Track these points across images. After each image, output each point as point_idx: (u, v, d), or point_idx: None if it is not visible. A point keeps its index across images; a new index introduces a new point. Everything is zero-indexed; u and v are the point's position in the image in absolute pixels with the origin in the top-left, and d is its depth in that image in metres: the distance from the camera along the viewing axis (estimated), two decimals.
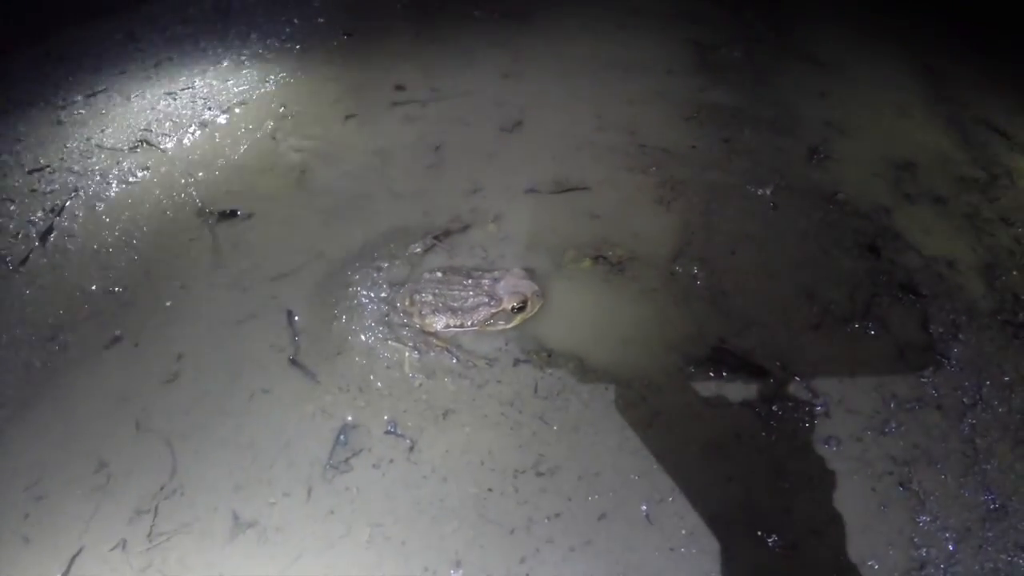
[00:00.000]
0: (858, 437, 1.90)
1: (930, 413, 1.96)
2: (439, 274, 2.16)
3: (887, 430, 1.91)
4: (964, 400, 1.99)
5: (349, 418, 1.93)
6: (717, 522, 1.73)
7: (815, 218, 2.48)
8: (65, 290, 2.33)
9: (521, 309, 2.06)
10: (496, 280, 2.11)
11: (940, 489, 1.81)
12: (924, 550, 1.71)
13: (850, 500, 1.78)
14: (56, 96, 3.14)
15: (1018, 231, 2.50)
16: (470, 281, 2.12)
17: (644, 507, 1.75)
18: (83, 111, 3.08)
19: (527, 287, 2.07)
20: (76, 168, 2.79)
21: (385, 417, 1.93)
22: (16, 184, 2.74)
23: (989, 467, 1.86)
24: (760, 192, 2.57)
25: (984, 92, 3.14)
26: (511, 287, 2.07)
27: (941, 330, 2.15)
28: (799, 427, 1.91)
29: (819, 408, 1.95)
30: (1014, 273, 2.34)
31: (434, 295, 2.09)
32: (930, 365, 2.07)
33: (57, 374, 2.10)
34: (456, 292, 2.09)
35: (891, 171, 2.71)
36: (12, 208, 2.63)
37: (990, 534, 1.74)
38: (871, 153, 2.78)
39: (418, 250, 2.34)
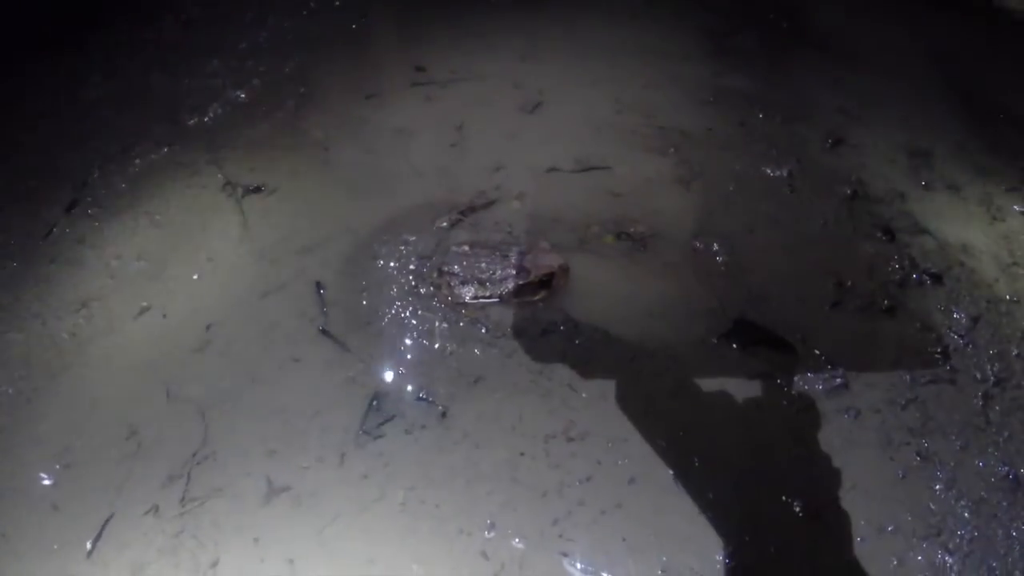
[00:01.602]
0: (876, 409, 1.95)
1: (945, 388, 2.01)
2: (466, 247, 2.19)
3: (903, 403, 1.97)
4: (977, 376, 2.04)
5: (381, 385, 1.96)
6: (742, 488, 1.77)
7: (831, 201, 2.53)
8: (90, 263, 2.34)
9: (547, 282, 2.09)
10: (523, 253, 2.14)
11: (956, 460, 1.86)
12: (941, 517, 1.76)
13: (870, 469, 1.83)
14: (76, 74, 3.14)
15: None
16: (497, 254, 2.15)
17: (672, 472, 1.79)
18: (103, 89, 3.08)
19: (553, 260, 2.11)
20: (98, 143, 2.79)
21: (416, 384, 1.96)
22: (37, 159, 2.74)
23: (1002, 439, 1.91)
24: (777, 174, 2.61)
25: (1000, 79, 3.19)
26: (537, 260, 2.10)
27: (955, 308, 2.20)
28: (819, 398, 1.96)
29: (839, 381, 1.99)
30: None
31: (462, 267, 2.12)
32: (944, 341, 2.11)
33: (85, 344, 2.12)
34: (483, 264, 2.12)
35: (906, 157, 2.75)
36: (34, 183, 2.63)
37: (1004, 503, 1.79)
38: (886, 139, 2.82)
39: (444, 225, 2.36)
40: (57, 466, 1.86)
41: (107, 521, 1.76)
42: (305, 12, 3.45)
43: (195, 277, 2.26)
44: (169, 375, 2.02)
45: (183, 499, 1.78)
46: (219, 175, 2.61)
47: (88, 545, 1.73)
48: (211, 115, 2.88)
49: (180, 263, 2.31)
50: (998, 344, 2.13)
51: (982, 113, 3.01)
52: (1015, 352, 2.12)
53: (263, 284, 2.22)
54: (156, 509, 1.77)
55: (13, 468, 1.87)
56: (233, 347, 2.07)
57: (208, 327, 2.12)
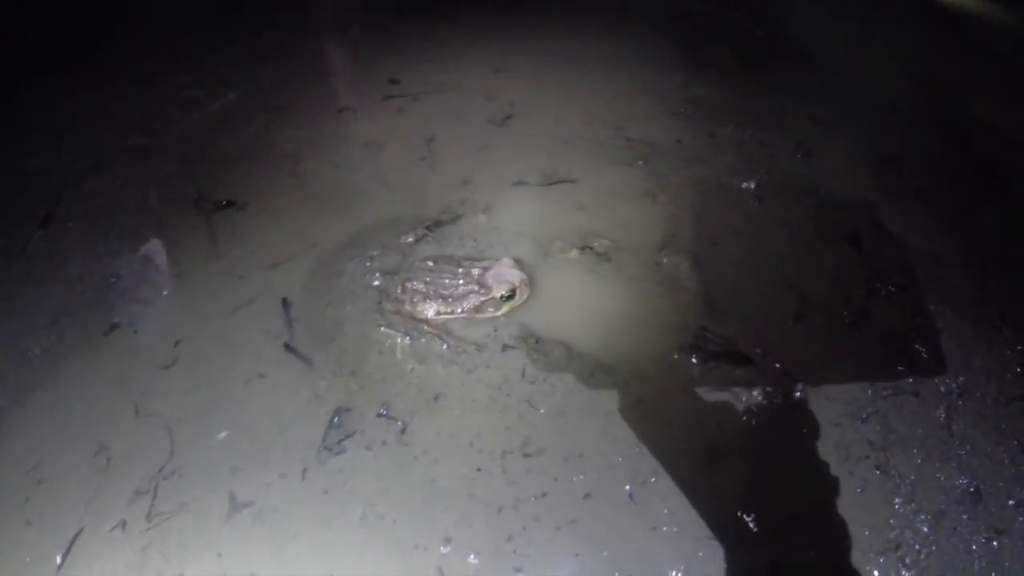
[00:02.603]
0: (836, 423, 1.95)
1: (907, 400, 2.02)
2: (430, 263, 2.21)
3: (864, 416, 1.97)
4: (941, 388, 2.05)
5: (343, 402, 1.98)
6: (698, 503, 1.78)
7: (798, 212, 2.54)
8: (63, 278, 2.36)
9: (510, 297, 2.11)
10: (485, 269, 2.15)
11: (916, 473, 1.87)
12: (900, 531, 1.76)
13: (828, 483, 1.83)
14: (50, 84, 3.17)
15: (999, 225, 2.55)
16: (460, 270, 2.17)
17: (628, 488, 1.80)
18: (78, 99, 3.10)
19: (515, 276, 2.12)
20: (72, 155, 2.82)
21: (377, 401, 1.97)
22: (12, 171, 2.78)
23: (964, 452, 1.91)
24: (745, 186, 2.62)
25: (970, 87, 3.19)
26: (500, 276, 2.12)
27: (920, 321, 2.21)
28: (778, 413, 1.96)
29: (798, 395, 2.00)
30: (994, 266, 2.39)
31: (425, 283, 2.14)
32: (908, 354, 2.12)
33: (56, 360, 2.14)
34: (446, 280, 2.14)
35: (875, 166, 2.76)
36: (9, 197, 2.66)
37: (964, 517, 1.79)
38: (855, 148, 2.83)
39: (410, 240, 2.38)
40: (31, 482, 1.88)
41: (76, 536, 1.78)
42: (279, 23, 3.47)
43: (164, 293, 2.28)
44: (138, 391, 2.04)
45: (149, 514, 1.80)
46: (191, 189, 2.63)
47: (58, 559, 1.75)
48: (185, 127, 2.90)
49: (150, 279, 2.33)
50: (963, 355, 2.14)
51: (951, 118, 3.00)
52: (980, 363, 2.12)
53: (231, 300, 2.24)
54: (123, 524, 1.79)
55: None
56: (201, 363, 2.09)
57: (177, 343, 2.14)
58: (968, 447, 1.93)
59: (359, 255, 2.35)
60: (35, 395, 2.07)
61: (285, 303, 2.22)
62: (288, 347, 2.11)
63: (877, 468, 1.87)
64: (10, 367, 2.13)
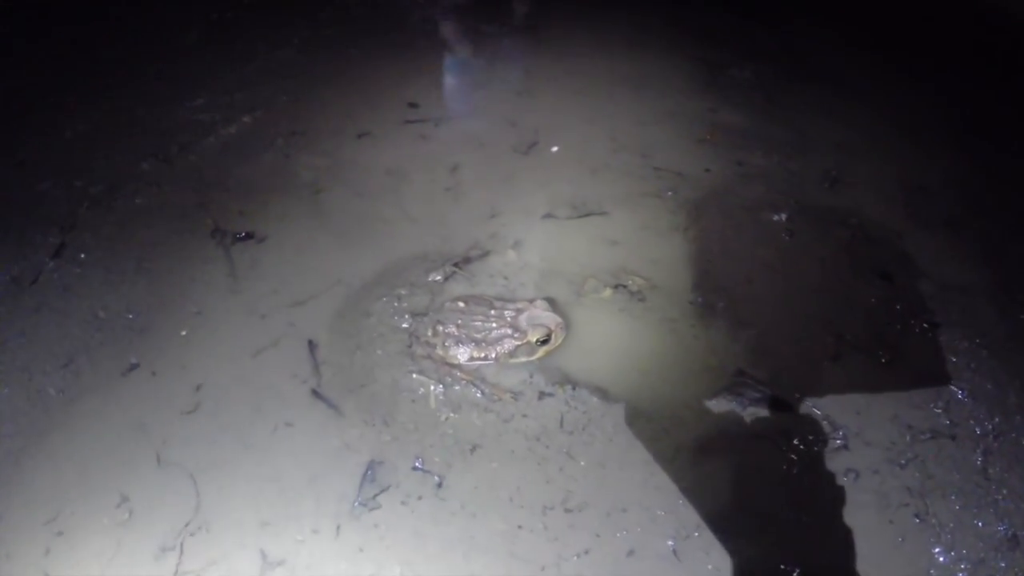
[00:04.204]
0: (875, 469, 1.93)
1: (945, 443, 1.99)
2: (461, 304, 2.15)
3: (903, 462, 1.94)
4: (977, 430, 2.03)
5: (375, 453, 1.92)
6: (741, 556, 1.75)
7: (829, 245, 2.51)
8: (78, 314, 2.28)
9: (545, 342, 2.06)
10: (519, 311, 2.10)
11: (955, 520, 1.84)
12: None
13: (869, 532, 1.81)
14: (62, 105, 3.08)
15: None
16: (493, 312, 2.11)
17: (671, 543, 1.77)
18: (90, 122, 3.02)
19: (551, 320, 2.07)
20: (85, 181, 2.74)
21: (412, 452, 1.92)
22: (25, 200, 2.69)
23: (1001, 497, 1.90)
24: (776, 218, 2.59)
25: (999, 114, 3.17)
26: (535, 319, 2.07)
27: (954, 358, 2.19)
28: (818, 460, 1.94)
29: (838, 441, 1.97)
30: None
31: (457, 326, 2.08)
32: (944, 395, 2.10)
33: (72, 402, 2.07)
34: (479, 323, 2.08)
35: (904, 195, 2.73)
36: (21, 225, 2.57)
37: (1003, 564, 1.78)
38: (884, 176, 2.80)
39: (439, 278, 2.32)
40: (50, 534, 1.81)
41: None
42: (296, 41, 3.38)
43: (183, 333, 2.21)
44: (160, 438, 1.98)
45: (176, 572, 1.74)
46: (208, 219, 2.55)
47: None
48: (200, 152, 2.82)
49: (168, 316, 2.26)
50: (998, 394, 2.12)
51: (980, 147, 2.98)
52: (1014, 400, 2.11)
53: (254, 341, 2.18)
54: None
55: (3, 533, 1.83)
56: (225, 409, 2.02)
57: (198, 387, 2.08)
58: (1005, 491, 1.92)
59: (386, 294, 2.29)
60: (51, 439, 1.99)
61: (311, 345, 2.16)
62: (316, 393, 2.05)
63: (917, 516, 1.85)
64: (23, 408, 2.06)
